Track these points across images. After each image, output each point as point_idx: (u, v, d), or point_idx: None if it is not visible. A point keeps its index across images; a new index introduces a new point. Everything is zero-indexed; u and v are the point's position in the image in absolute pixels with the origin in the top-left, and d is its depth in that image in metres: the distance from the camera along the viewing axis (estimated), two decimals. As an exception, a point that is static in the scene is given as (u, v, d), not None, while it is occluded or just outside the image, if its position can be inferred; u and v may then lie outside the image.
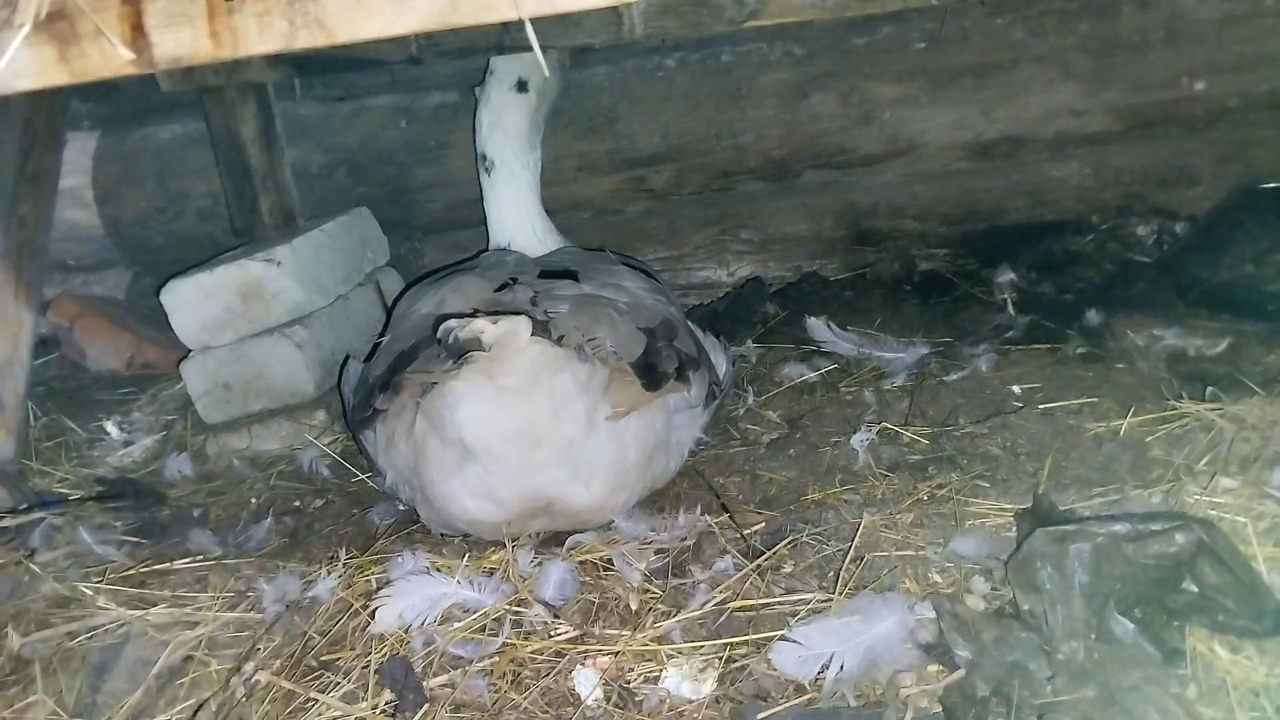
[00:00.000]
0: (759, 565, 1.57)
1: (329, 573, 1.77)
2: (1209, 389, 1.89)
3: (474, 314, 1.54)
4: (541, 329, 1.60)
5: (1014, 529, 1.56)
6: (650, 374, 1.70)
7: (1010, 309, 2.51)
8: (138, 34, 0.93)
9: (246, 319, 2.46)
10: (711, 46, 2.89)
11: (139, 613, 1.75)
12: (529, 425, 1.59)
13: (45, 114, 2.57)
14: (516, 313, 1.56)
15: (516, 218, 2.48)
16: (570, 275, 1.98)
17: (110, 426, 2.54)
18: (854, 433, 1.92)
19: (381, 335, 2.25)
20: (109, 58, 0.94)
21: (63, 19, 0.91)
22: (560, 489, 1.67)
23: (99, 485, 2.29)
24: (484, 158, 2.49)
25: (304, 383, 2.45)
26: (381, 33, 0.90)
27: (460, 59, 2.67)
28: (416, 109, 3.01)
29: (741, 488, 1.84)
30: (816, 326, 2.41)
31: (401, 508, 2.02)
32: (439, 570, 1.70)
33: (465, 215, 3.01)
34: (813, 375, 2.28)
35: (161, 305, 2.49)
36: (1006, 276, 2.60)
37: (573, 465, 1.65)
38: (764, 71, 2.88)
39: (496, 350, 1.47)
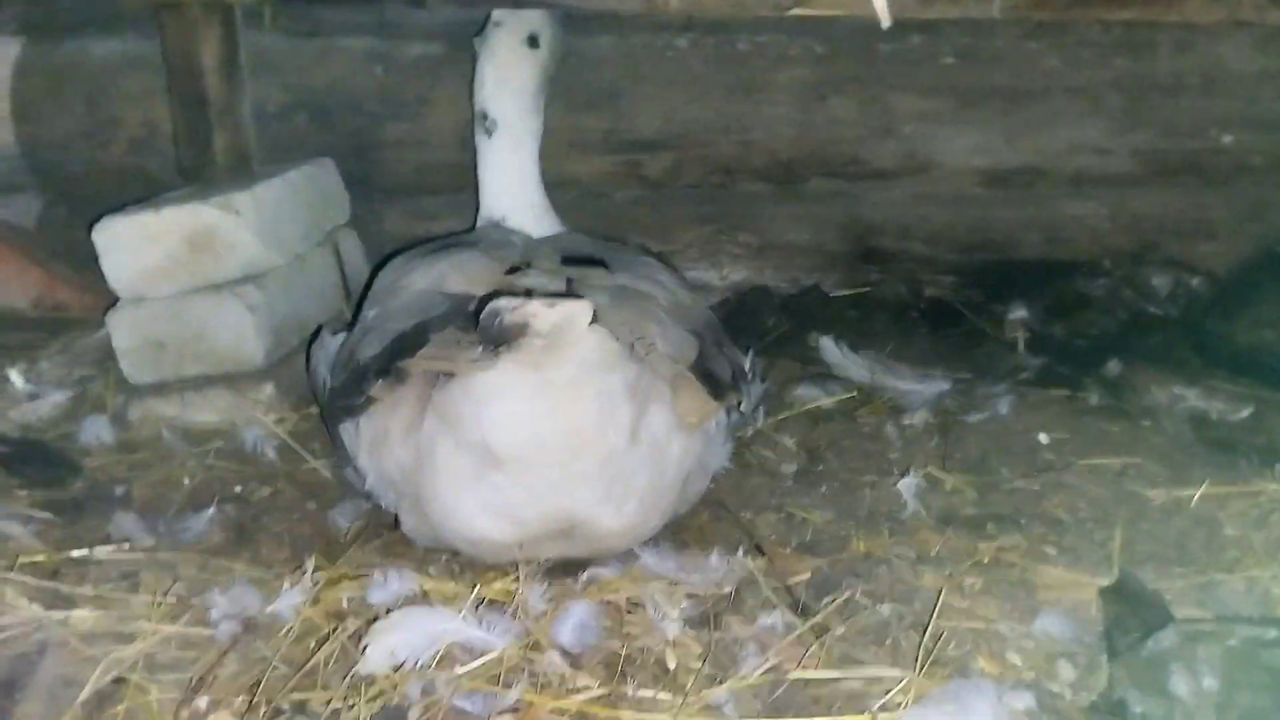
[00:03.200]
0: (813, 625, 1.37)
1: (291, 584, 1.50)
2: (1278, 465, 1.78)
3: (527, 294, 1.30)
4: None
5: (1094, 607, 1.40)
6: (712, 382, 1.49)
7: (1022, 348, 2.38)
8: None
9: (191, 271, 2.14)
10: (727, 32, 2.67)
11: (59, 615, 1.46)
12: (572, 431, 1.35)
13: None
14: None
15: (515, 188, 2.22)
16: (598, 264, 1.74)
17: (14, 375, 2.19)
18: (899, 475, 1.73)
19: (357, 310, 1.97)
20: None
21: None
22: (591, 510, 1.43)
23: (1, 445, 1.96)
24: (484, 116, 2.22)
25: (252, 349, 2.15)
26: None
27: (461, 5, 2.41)
28: (396, 57, 2.72)
29: (776, 528, 1.64)
30: (828, 347, 2.24)
31: (368, 508, 1.76)
32: (427, 596, 1.46)
33: (436, 180, 2.75)
34: (828, 401, 2.09)
35: (83, 242, 2.16)
36: (1019, 314, 2.47)
37: (608, 483, 1.42)
38: (782, 66, 2.68)
39: (552, 338, 1.23)
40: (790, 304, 2.60)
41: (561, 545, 1.50)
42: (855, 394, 2.12)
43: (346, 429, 1.65)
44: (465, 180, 2.65)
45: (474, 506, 1.44)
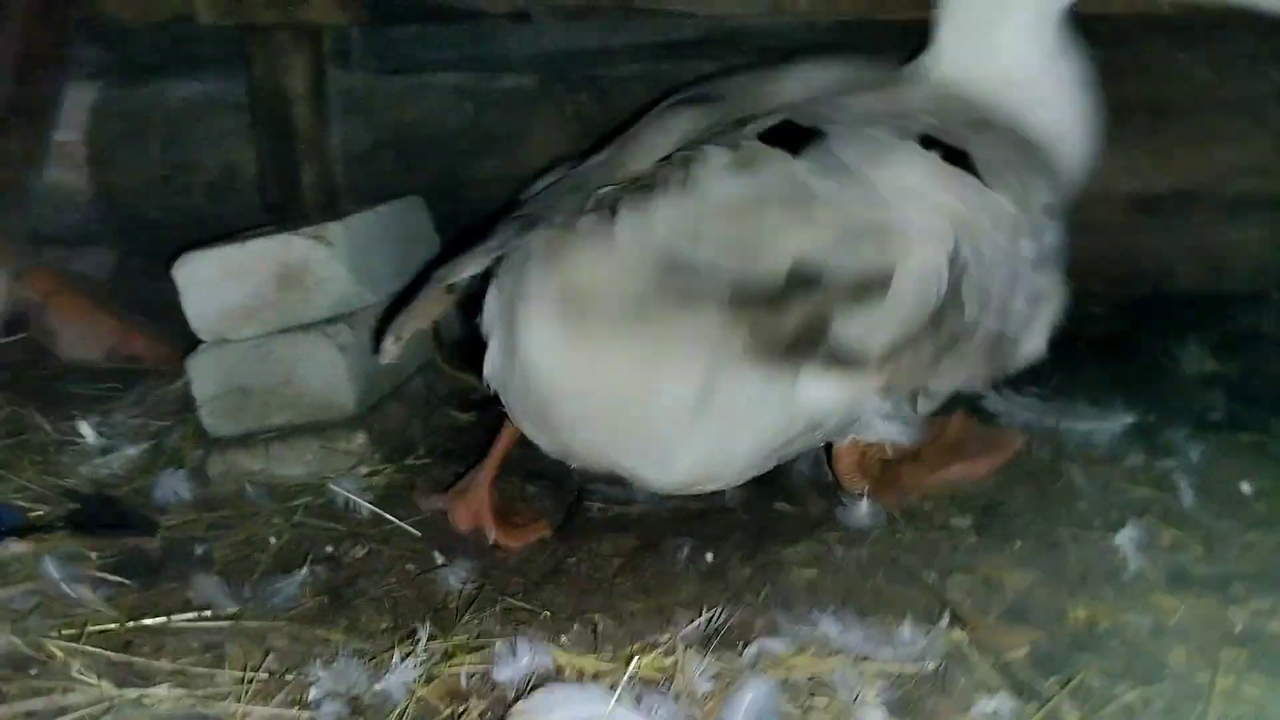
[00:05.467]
0: (1045, 712, 1.11)
1: (402, 657, 1.27)
2: None
3: None
4: None
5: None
6: None
7: (1204, 387, 2.11)
8: None
9: (279, 309, 1.97)
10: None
11: (132, 693, 1.24)
12: None
13: (51, 34, 2.09)
14: None
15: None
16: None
17: (85, 428, 2.01)
18: (1107, 528, 1.47)
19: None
20: None
21: None
22: None
23: (71, 502, 1.77)
24: None
25: (345, 395, 1.96)
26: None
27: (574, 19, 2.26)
28: (487, 91, 2.56)
29: (971, 592, 1.37)
30: (981, 385, 1.98)
31: (482, 567, 1.54)
32: (563, 672, 1.23)
33: (530, 218, 2.58)
34: (994, 445, 1.84)
35: (160, 294, 2.02)
36: (1193, 350, 2.20)
37: None
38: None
39: None
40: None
41: None
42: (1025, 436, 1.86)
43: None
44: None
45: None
